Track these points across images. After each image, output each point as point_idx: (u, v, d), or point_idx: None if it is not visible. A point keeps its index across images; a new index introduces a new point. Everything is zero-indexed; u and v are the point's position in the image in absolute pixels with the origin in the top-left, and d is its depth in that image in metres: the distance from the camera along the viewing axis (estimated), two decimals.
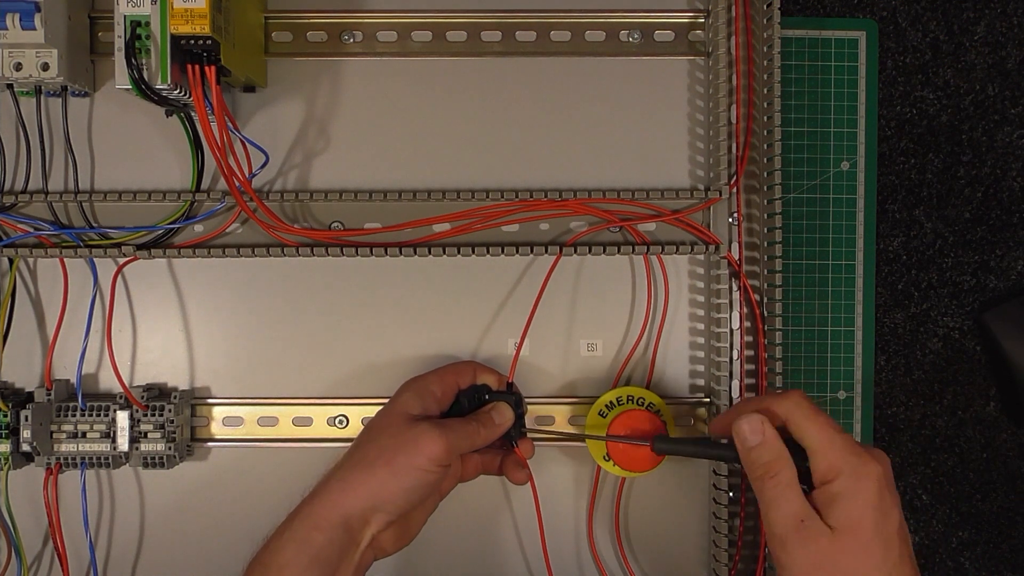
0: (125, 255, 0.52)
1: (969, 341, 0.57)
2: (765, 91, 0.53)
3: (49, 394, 0.52)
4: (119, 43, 0.44)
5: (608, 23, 0.54)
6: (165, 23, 0.44)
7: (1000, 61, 0.57)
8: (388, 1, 0.54)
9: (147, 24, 0.44)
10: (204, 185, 0.54)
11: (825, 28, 0.57)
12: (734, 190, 0.53)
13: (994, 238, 0.57)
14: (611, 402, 0.52)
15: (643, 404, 0.51)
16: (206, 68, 0.45)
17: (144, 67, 0.44)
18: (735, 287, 0.53)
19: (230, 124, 0.48)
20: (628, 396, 0.52)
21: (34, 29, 0.48)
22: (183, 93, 0.46)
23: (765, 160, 0.53)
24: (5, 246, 0.52)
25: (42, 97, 0.53)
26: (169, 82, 0.44)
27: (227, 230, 0.53)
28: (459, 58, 0.54)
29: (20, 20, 0.48)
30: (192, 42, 0.44)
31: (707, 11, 0.54)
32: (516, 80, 0.54)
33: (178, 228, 0.53)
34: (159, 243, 0.53)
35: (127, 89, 0.44)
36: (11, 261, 0.53)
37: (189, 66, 0.45)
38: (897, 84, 0.58)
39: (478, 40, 0.54)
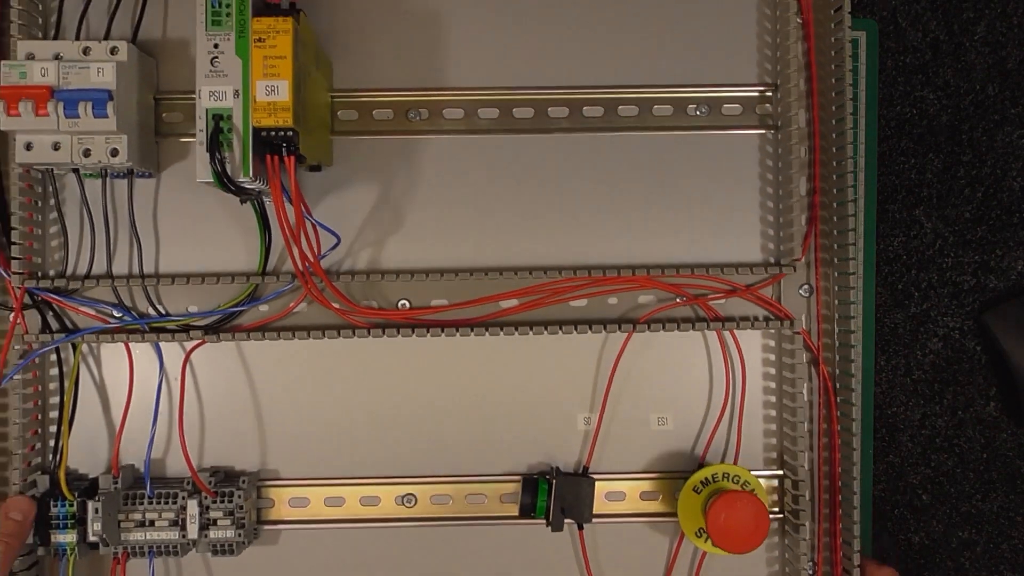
0: (193, 339, 0.52)
1: (969, 341, 0.57)
2: (835, 163, 0.53)
3: (116, 481, 0.51)
4: (201, 136, 0.44)
5: (675, 97, 0.54)
6: (247, 116, 0.44)
7: (1000, 61, 0.57)
8: (454, 78, 0.54)
9: (229, 117, 0.44)
10: (271, 264, 0.53)
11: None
12: (805, 263, 0.53)
13: (994, 238, 0.57)
14: (706, 479, 0.51)
15: (738, 482, 0.51)
16: (286, 158, 0.45)
17: (227, 160, 0.44)
18: (808, 361, 0.53)
19: (304, 210, 0.48)
20: (724, 474, 0.51)
21: (106, 117, 0.48)
22: (260, 182, 0.45)
23: (835, 232, 0.53)
24: (72, 338, 0.51)
25: (108, 179, 0.53)
26: (251, 175, 0.44)
27: (294, 310, 0.53)
28: (526, 135, 0.54)
29: (92, 108, 0.48)
30: (273, 133, 0.44)
31: (775, 85, 0.54)
32: (583, 156, 0.54)
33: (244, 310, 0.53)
34: (224, 323, 0.53)
35: (208, 183, 0.44)
36: (75, 346, 0.53)
37: (268, 156, 0.45)
38: (897, 84, 0.57)
39: (545, 116, 0.54)
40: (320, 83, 0.51)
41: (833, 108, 0.53)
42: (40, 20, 0.53)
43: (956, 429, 0.56)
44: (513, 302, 0.54)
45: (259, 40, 0.43)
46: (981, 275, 0.56)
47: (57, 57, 0.49)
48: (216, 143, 0.43)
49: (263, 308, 0.53)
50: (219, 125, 0.43)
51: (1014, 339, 0.55)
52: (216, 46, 0.44)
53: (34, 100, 0.47)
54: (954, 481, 0.56)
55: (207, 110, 0.44)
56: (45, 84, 0.48)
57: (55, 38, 0.53)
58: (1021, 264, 0.57)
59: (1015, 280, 0.57)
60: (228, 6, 0.44)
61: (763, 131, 0.54)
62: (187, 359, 0.53)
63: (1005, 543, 0.57)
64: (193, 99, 0.52)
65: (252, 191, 0.46)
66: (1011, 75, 0.57)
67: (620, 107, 0.54)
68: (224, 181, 0.44)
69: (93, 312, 0.53)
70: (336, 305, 0.52)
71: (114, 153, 0.49)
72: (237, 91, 0.44)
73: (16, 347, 0.51)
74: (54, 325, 0.53)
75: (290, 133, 0.44)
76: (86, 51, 0.50)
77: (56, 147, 0.49)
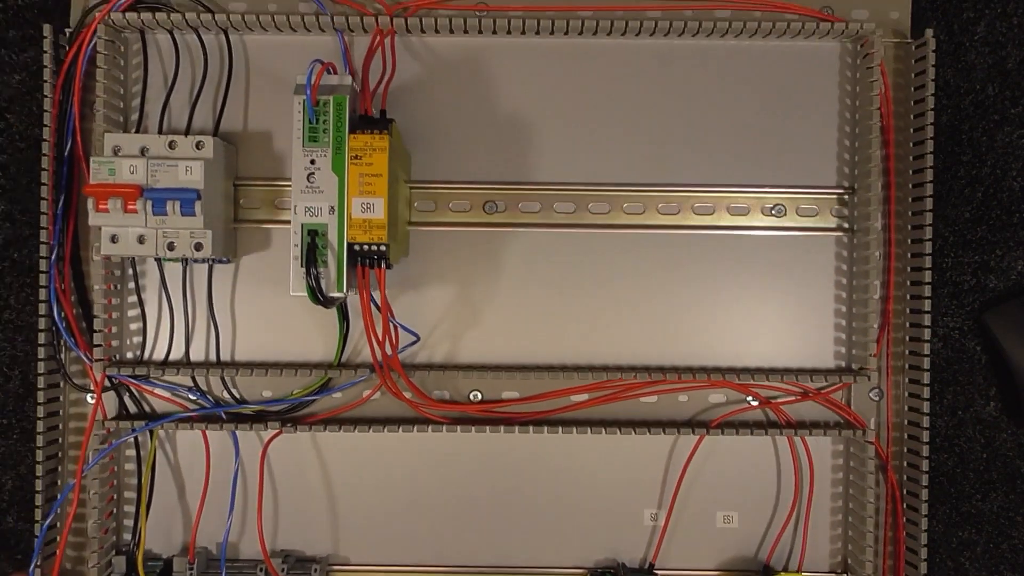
0: (269, 429, 0.52)
1: (969, 341, 0.57)
2: (908, 269, 0.54)
3: (191, 567, 0.52)
4: (295, 251, 0.44)
5: (751, 197, 0.54)
6: (343, 232, 0.44)
7: (1000, 61, 0.56)
8: (532, 173, 0.54)
9: (324, 234, 0.44)
10: (346, 351, 0.54)
11: None
12: (877, 368, 0.53)
13: (994, 238, 0.57)
14: None
15: None
16: (376, 270, 0.45)
17: (321, 276, 0.44)
18: (876, 466, 0.53)
19: (390, 313, 0.48)
20: None
21: (194, 216, 0.48)
22: (349, 290, 0.46)
23: (908, 339, 0.54)
24: (152, 427, 0.52)
25: (188, 265, 0.53)
26: (345, 291, 0.44)
27: (368, 399, 0.54)
28: (601, 230, 0.54)
29: (181, 207, 0.48)
30: (367, 248, 0.44)
31: (852, 188, 0.54)
32: (657, 253, 0.54)
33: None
34: (299, 409, 0.54)
35: (301, 295, 0.44)
36: (151, 432, 0.53)
37: (360, 267, 0.45)
38: None
39: (620, 212, 0.54)
40: (401, 177, 0.51)
41: (910, 213, 0.54)
42: (121, 104, 0.54)
43: (956, 429, 0.57)
44: (584, 396, 0.54)
45: (356, 157, 0.44)
46: (981, 275, 0.57)
47: (143, 151, 0.50)
48: (313, 259, 0.44)
49: (336, 396, 0.54)
50: (315, 241, 0.44)
51: (1014, 339, 0.55)
52: (312, 162, 0.44)
53: (123, 198, 0.48)
54: (954, 481, 0.57)
55: (303, 225, 0.44)
56: (135, 183, 0.48)
57: (138, 129, 0.53)
58: (1021, 264, 0.57)
59: (1015, 280, 0.57)
60: (325, 122, 0.44)
61: (838, 233, 0.54)
62: (265, 451, 0.53)
63: (1005, 543, 0.57)
64: (272, 185, 0.54)
65: (340, 298, 0.47)
66: (1011, 75, 0.56)
67: (695, 205, 0.54)
68: (318, 296, 0.44)
69: (169, 395, 0.54)
70: (408, 395, 0.52)
71: (198, 247, 0.50)
72: (332, 207, 0.44)
73: (96, 433, 0.51)
74: (131, 407, 0.54)
75: (383, 248, 0.44)
76: (171, 145, 0.50)
77: (141, 240, 0.50)
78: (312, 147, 0.44)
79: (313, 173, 0.44)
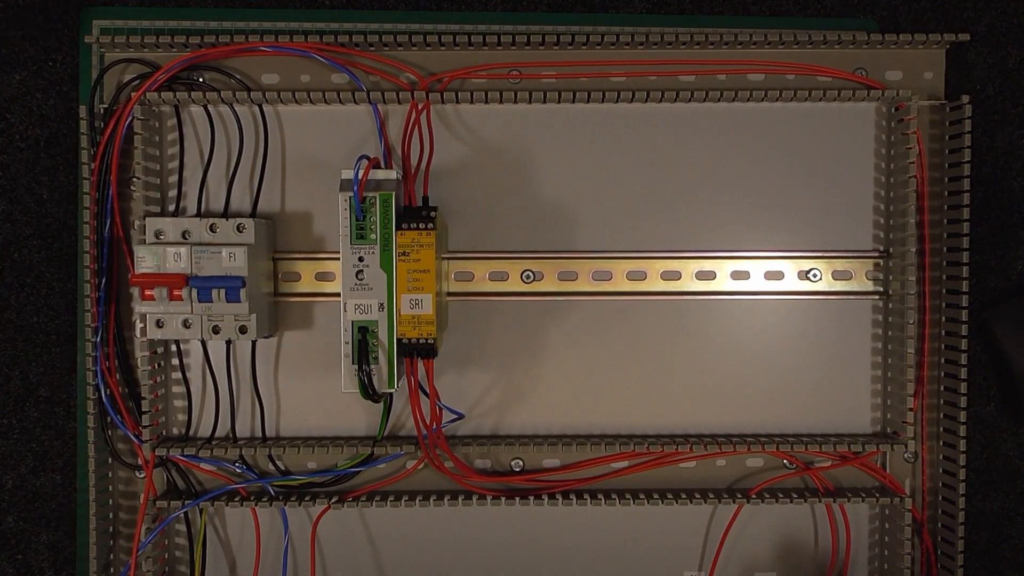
0: (317, 505, 0.53)
1: (969, 341, 0.57)
2: (943, 334, 0.54)
3: None
4: (346, 349, 0.45)
5: (787, 261, 0.55)
6: (392, 328, 0.44)
7: (1000, 61, 0.57)
8: (568, 240, 0.54)
9: (374, 331, 0.45)
10: (390, 422, 0.54)
11: (825, 28, 0.55)
12: (912, 433, 0.54)
13: (994, 238, 0.57)
14: None
15: None
16: (424, 362, 0.46)
17: (373, 373, 0.45)
18: (913, 533, 0.54)
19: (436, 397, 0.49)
20: None
21: (239, 302, 0.49)
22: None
23: (943, 403, 0.54)
24: (200, 501, 0.53)
25: (232, 343, 0.54)
26: (396, 387, 0.45)
27: (412, 471, 0.54)
28: (636, 298, 0.55)
29: (226, 295, 0.48)
30: (415, 341, 0.45)
31: (887, 252, 0.54)
32: (694, 321, 0.55)
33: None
34: (344, 480, 0.54)
35: (352, 392, 0.45)
36: (201, 510, 0.54)
37: (408, 359, 0.46)
38: None
39: (656, 278, 0.55)
40: (441, 254, 0.51)
41: (944, 277, 0.54)
42: (158, 180, 0.54)
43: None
44: (624, 463, 0.55)
45: (403, 254, 0.44)
46: (981, 275, 0.57)
47: (184, 235, 0.50)
48: (365, 357, 0.44)
49: (381, 467, 0.55)
50: (366, 338, 0.44)
51: (1014, 339, 0.55)
52: (361, 259, 0.44)
53: (169, 286, 0.48)
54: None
55: (353, 323, 0.45)
56: (180, 272, 0.49)
57: (176, 206, 0.53)
58: (1021, 264, 0.57)
59: (1015, 280, 0.57)
60: (372, 219, 0.44)
61: (874, 298, 0.55)
62: (315, 529, 0.54)
63: (1005, 543, 0.58)
64: (310, 258, 0.54)
65: (391, 393, 0.47)
66: (1011, 75, 0.57)
67: (732, 270, 0.55)
68: (369, 393, 0.45)
69: (215, 470, 0.54)
70: (449, 466, 0.53)
71: (243, 330, 0.50)
72: (382, 304, 0.44)
73: (148, 512, 0.52)
74: (178, 482, 0.55)
75: (431, 341, 0.45)
76: (212, 228, 0.50)
77: (186, 324, 0.50)
78: (360, 244, 0.44)
79: (362, 271, 0.45)
